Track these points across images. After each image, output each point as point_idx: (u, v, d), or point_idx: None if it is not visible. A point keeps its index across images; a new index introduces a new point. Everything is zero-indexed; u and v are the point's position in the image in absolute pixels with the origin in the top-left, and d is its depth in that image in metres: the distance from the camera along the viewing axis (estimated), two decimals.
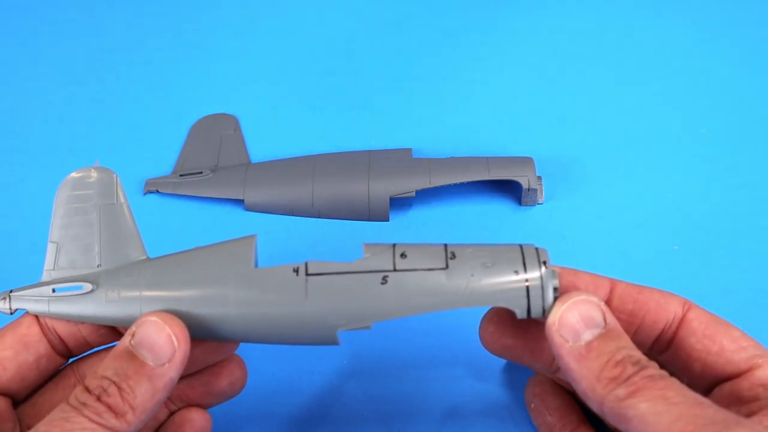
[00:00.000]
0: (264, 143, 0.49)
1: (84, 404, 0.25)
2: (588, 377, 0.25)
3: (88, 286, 0.29)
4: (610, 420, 0.25)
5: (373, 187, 0.44)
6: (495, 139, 0.49)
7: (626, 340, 0.26)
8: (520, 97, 0.51)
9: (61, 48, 0.56)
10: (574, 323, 0.26)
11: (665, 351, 0.29)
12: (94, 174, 0.31)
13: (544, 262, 0.27)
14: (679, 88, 0.52)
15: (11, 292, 0.30)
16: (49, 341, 0.30)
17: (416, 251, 0.28)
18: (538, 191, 0.44)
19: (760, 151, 0.48)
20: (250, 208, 0.46)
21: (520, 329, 0.30)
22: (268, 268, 0.28)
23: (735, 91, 0.51)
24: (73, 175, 0.31)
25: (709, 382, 0.28)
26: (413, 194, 0.44)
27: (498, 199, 0.46)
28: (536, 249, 0.28)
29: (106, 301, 0.29)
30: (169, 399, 0.32)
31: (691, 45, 0.54)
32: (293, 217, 0.45)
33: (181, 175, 0.47)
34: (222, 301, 0.28)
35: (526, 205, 0.45)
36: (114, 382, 0.26)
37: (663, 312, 0.28)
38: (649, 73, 0.52)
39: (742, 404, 0.26)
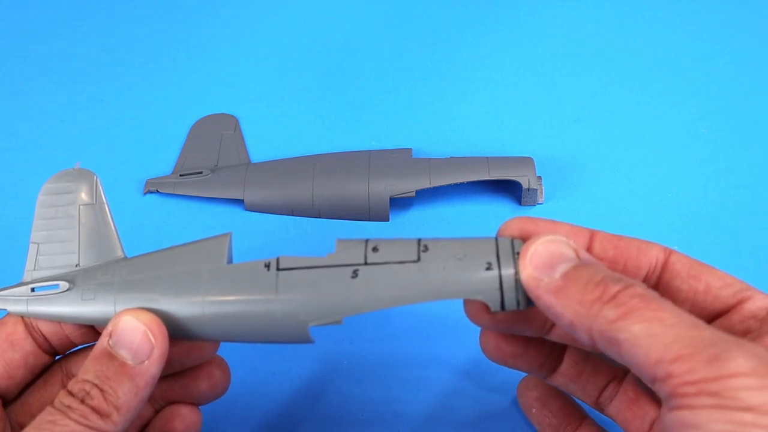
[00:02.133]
0: (264, 143, 0.50)
1: (69, 407, 0.25)
2: (570, 306, 0.24)
3: (64, 285, 0.29)
4: (601, 348, 0.23)
5: (373, 187, 0.44)
6: (495, 139, 0.49)
7: (603, 266, 0.25)
8: (520, 97, 0.51)
9: (61, 48, 0.56)
10: (546, 261, 0.25)
11: None
12: (74, 176, 0.31)
13: (518, 253, 0.26)
14: (678, 88, 0.52)
15: None
16: (35, 339, 0.30)
17: (388, 245, 0.28)
18: (538, 191, 0.44)
19: (760, 151, 0.48)
20: (250, 208, 0.46)
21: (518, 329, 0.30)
22: (240, 263, 0.28)
23: (735, 91, 0.51)
24: (54, 177, 0.31)
25: None
26: (413, 194, 0.44)
27: (498, 199, 0.46)
28: (511, 240, 0.27)
29: (82, 300, 0.29)
30: (152, 398, 0.32)
31: (691, 45, 0.54)
32: (293, 217, 0.45)
33: (181, 175, 0.47)
34: (195, 297, 0.28)
35: (526, 205, 0.45)
36: (96, 385, 0.26)
37: (645, 257, 0.27)
38: (649, 74, 0.53)
39: None
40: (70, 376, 0.31)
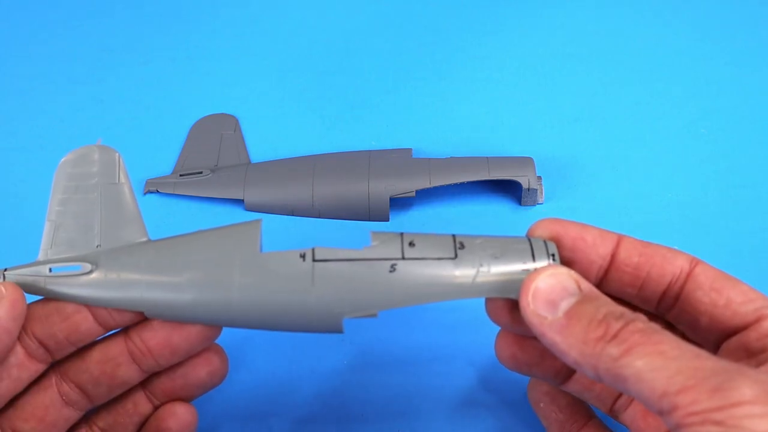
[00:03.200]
0: (264, 143, 0.49)
1: None
2: (575, 345, 0.24)
3: (87, 266, 0.28)
4: (609, 384, 0.24)
5: (373, 187, 0.44)
6: (495, 139, 0.49)
7: (605, 299, 0.25)
8: (520, 97, 0.51)
9: (61, 48, 0.56)
10: (549, 297, 0.25)
11: (673, 308, 0.28)
12: (95, 152, 0.30)
13: (553, 255, 0.27)
14: (678, 88, 0.52)
15: (5, 270, 0.29)
16: (25, 347, 0.28)
17: (425, 240, 0.28)
18: (538, 191, 0.44)
19: (760, 151, 0.48)
20: (250, 208, 0.46)
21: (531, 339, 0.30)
22: (274, 252, 0.28)
23: (734, 91, 0.51)
24: (74, 153, 0.30)
25: (717, 337, 0.27)
26: (413, 194, 0.44)
27: (498, 199, 0.46)
28: (544, 242, 0.28)
29: (106, 282, 0.28)
30: (152, 393, 0.32)
31: (690, 45, 0.54)
32: (293, 217, 0.45)
33: (181, 175, 0.47)
34: (226, 285, 0.27)
35: (526, 205, 0.45)
36: None
37: (669, 266, 0.28)
38: (649, 74, 0.53)
39: (750, 357, 0.26)
40: (64, 376, 0.30)
